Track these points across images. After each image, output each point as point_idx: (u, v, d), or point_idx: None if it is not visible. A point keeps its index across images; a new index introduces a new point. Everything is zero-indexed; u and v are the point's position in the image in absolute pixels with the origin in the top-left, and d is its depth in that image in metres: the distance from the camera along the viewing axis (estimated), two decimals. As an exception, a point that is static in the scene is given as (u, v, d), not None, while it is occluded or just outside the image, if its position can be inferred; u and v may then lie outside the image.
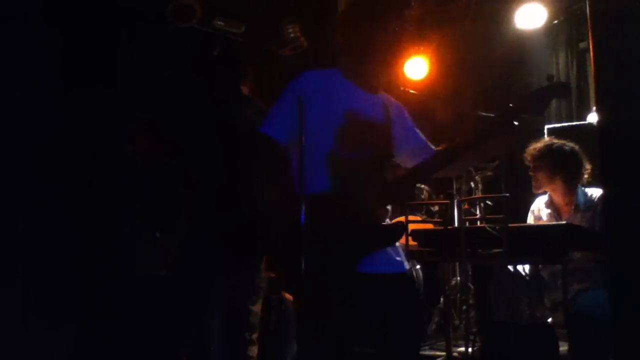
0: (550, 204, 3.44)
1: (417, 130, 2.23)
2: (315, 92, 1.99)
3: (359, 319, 1.94)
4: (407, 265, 2.07)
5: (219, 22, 3.69)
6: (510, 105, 2.01)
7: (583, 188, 3.34)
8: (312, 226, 1.77)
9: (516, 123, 1.97)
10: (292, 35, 3.32)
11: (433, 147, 2.20)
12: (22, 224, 2.61)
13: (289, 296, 3.26)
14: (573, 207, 3.31)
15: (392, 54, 2.07)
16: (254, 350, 2.94)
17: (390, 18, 2.03)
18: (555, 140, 3.43)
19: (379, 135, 2.04)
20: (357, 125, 1.95)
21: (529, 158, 3.41)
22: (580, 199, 3.30)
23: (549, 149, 3.35)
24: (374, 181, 1.96)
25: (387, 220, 2.05)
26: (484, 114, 4.53)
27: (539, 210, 3.51)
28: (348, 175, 1.86)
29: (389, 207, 2.06)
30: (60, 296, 2.82)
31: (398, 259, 2.03)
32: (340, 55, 2.13)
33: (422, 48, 5.75)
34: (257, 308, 2.96)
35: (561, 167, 3.31)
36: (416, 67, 5.75)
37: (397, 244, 2.06)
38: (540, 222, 3.42)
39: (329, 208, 1.80)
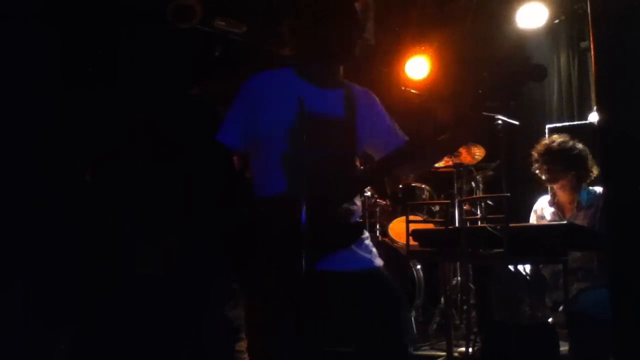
0: (553, 202, 3.45)
1: (388, 119, 2.16)
2: (266, 94, 1.95)
3: (327, 318, 1.92)
4: (377, 262, 2.01)
5: (220, 22, 3.70)
6: (480, 91, 1.99)
7: (587, 187, 3.35)
8: (269, 228, 1.78)
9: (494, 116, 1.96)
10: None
11: (404, 136, 2.13)
12: (22, 224, 2.61)
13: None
14: (575, 205, 3.32)
15: (344, 48, 2.01)
16: (242, 345, 2.99)
17: (338, 16, 1.98)
18: (568, 138, 3.44)
19: (338, 131, 1.98)
20: (310, 124, 1.89)
21: (542, 150, 3.40)
22: (583, 196, 3.31)
23: (568, 144, 3.37)
24: (334, 178, 1.91)
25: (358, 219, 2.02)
26: (485, 113, 4.51)
27: (542, 209, 3.52)
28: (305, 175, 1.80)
29: (356, 205, 2.01)
30: (60, 296, 2.82)
31: (366, 255, 1.98)
32: (293, 55, 2.07)
33: (423, 48, 5.75)
34: (236, 313, 3.01)
35: (575, 165, 3.33)
36: (417, 67, 5.76)
37: (368, 241, 2.03)
38: (544, 222, 3.42)
39: (286, 209, 1.75)
